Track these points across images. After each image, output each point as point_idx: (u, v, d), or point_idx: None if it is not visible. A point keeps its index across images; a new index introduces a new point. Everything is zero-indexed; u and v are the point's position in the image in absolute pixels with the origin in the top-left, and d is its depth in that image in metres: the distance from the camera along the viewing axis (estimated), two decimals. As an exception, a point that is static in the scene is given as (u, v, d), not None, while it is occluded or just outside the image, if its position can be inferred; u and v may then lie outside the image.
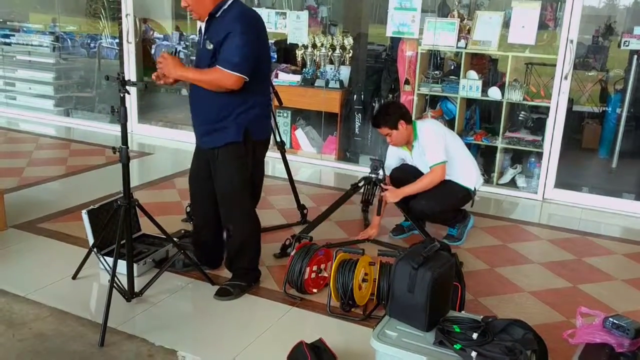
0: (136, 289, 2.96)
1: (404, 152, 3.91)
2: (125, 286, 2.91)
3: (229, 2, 2.82)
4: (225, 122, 2.87)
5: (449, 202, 3.81)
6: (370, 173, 4.03)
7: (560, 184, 5.04)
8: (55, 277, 3.20)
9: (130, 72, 6.58)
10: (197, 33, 3.08)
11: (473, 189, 3.87)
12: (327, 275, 3.15)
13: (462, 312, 2.74)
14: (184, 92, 7.56)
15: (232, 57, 2.72)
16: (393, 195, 3.77)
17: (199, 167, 3.11)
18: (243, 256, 3.14)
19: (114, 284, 2.78)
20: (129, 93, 2.75)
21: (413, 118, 5.36)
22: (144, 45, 7.35)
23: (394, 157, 3.99)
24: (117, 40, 7.39)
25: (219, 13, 2.81)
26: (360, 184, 4.09)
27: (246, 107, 2.88)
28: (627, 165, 5.87)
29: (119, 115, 2.72)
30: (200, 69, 2.84)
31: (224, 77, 2.74)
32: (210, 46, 2.79)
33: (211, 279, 3.20)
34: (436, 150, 3.66)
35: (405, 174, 3.88)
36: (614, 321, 2.22)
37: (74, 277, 3.20)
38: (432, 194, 3.71)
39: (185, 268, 3.30)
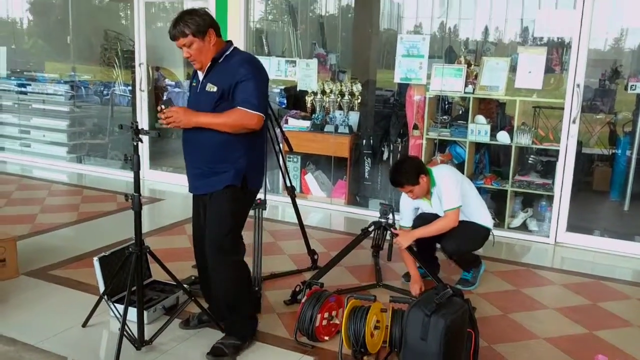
0: (146, 337, 2.94)
1: (419, 202, 3.86)
2: (136, 334, 2.89)
3: (231, 49, 2.89)
4: (225, 165, 2.86)
5: (476, 240, 3.84)
6: (380, 217, 4.03)
7: (572, 227, 5.00)
8: (66, 325, 3.19)
9: (143, 119, 6.70)
10: (190, 78, 3.08)
11: (490, 228, 3.93)
12: (338, 323, 3.12)
13: (477, 360, 2.70)
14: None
15: (252, 98, 2.77)
16: (405, 238, 3.75)
17: (198, 213, 3.08)
18: (238, 308, 3.01)
19: (124, 332, 2.76)
20: (142, 141, 2.79)
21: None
22: (156, 93, 7.50)
23: (408, 208, 3.93)
24: (129, 88, 7.55)
25: (222, 58, 2.86)
26: (370, 229, 4.08)
27: (247, 149, 2.88)
28: (639, 208, 5.83)
29: (132, 163, 2.76)
30: (216, 113, 2.81)
31: (247, 117, 2.77)
32: (213, 88, 2.80)
33: (222, 326, 3.17)
34: (452, 195, 3.66)
35: (427, 222, 3.87)
36: (633, 370, 2.17)
37: (84, 325, 3.19)
38: (461, 234, 3.71)
39: (201, 325, 3.22)
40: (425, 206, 3.87)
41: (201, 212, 3.04)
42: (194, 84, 2.98)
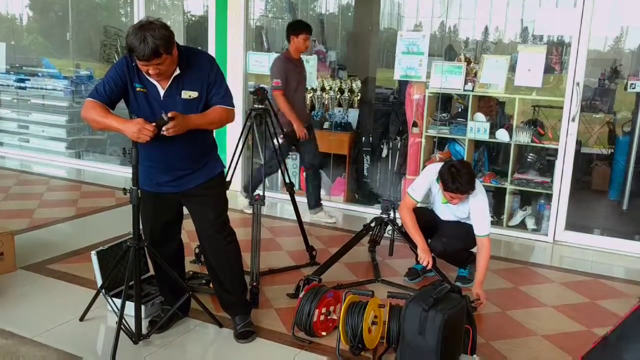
0: (143, 331, 2.93)
1: (438, 194, 3.79)
2: (133, 328, 2.88)
3: (181, 49, 2.73)
4: (212, 154, 3.04)
5: (466, 240, 3.78)
6: (381, 213, 4.03)
7: (571, 225, 5.00)
8: (63, 319, 3.19)
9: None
10: (138, 82, 2.73)
11: None
12: (336, 318, 3.12)
13: (474, 356, 2.70)
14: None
15: (228, 95, 2.89)
16: (481, 291, 3.57)
17: (163, 212, 3.05)
18: (245, 285, 3.19)
19: (122, 326, 2.76)
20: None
21: (422, 161, 5.42)
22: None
23: (425, 186, 3.79)
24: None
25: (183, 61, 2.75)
26: (372, 225, 4.08)
27: (213, 137, 3.07)
28: (638, 207, 5.83)
29: (130, 157, 2.75)
30: (203, 113, 2.81)
31: (231, 113, 2.91)
32: (194, 94, 2.78)
33: (219, 321, 3.17)
34: (486, 222, 3.65)
35: (425, 219, 3.86)
36: (631, 366, 2.17)
37: (82, 319, 3.19)
38: (452, 234, 3.73)
39: (163, 306, 3.24)
40: (439, 199, 3.82)
41: (166, 210, 3.06)
42: (144, 90, 2.73)
